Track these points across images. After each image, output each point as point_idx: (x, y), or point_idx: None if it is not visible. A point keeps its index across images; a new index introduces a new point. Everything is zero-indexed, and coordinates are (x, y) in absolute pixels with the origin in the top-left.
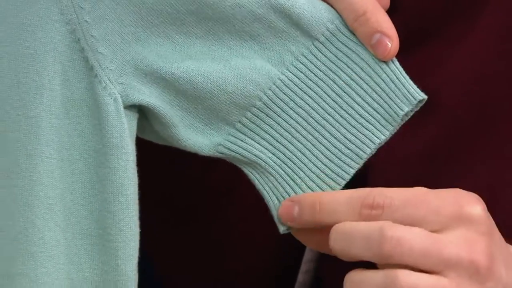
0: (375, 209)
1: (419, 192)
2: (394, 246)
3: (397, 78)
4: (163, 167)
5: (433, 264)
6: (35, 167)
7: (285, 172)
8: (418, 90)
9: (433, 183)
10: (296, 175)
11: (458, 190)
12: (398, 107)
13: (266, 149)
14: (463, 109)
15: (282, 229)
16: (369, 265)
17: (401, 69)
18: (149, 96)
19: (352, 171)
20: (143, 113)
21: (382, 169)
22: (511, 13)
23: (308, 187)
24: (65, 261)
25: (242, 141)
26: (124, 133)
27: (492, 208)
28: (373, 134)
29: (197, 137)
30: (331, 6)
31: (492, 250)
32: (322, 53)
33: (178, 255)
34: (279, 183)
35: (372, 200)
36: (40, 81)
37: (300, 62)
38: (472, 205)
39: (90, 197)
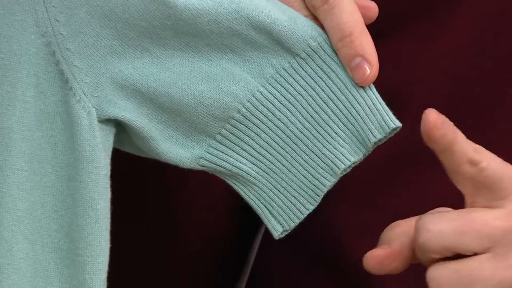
0: None
1: None
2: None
3: (373, 104)
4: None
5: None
6: (5, 178)
7: (268, 181)
8: (393, 118)
9: (403, 180)
10: (279, 184)
11: None
12: (371, 133)
13: (247, 160)
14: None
15: (277, 233)
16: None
17: (378, 95)
18: (125, 110)
19: (329, 184)
20: (121, 127)
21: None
22: (484, 14)
23: (292, 195)
24: (32, 274)
25: (222, 152)
26: (97, 147)
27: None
28: (348, 152)
29: (177, 150)
30: (320, 22)
31: None
32: (302, 68)
33: (123, 257)
34: (264, 192)
35: None
36: (13, 92)
37: (280, 75)
38: None
39: (61, 210)
